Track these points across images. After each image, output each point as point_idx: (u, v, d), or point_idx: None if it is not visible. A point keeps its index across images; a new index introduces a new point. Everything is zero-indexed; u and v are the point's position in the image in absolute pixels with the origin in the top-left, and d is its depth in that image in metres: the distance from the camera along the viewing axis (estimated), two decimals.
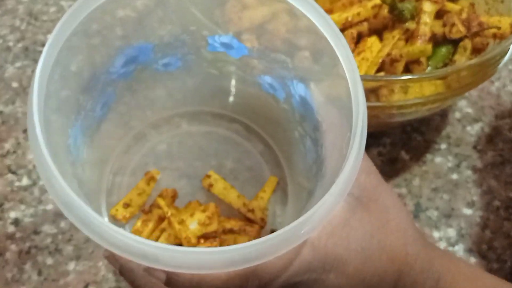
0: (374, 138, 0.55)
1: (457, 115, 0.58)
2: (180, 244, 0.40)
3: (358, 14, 0.46)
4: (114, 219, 0.44)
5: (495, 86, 0.60)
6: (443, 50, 0.47)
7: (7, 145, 0.53)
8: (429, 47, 0.46)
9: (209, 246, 0.40)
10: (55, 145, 0.30)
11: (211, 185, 0.45)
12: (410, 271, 0.35)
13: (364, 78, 0.41)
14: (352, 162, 0.29)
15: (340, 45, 0.32)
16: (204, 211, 0.42)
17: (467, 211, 0.51)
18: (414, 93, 0.42)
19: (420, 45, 0.46)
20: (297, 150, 0.44)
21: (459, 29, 0.47)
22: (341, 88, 0.32)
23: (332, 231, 0.33)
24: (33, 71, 0.59)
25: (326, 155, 0.36)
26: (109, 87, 0.39)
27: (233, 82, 0.46)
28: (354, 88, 0.31)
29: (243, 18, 0.40)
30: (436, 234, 0.50)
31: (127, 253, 0.26)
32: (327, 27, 0.33)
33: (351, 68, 0.32)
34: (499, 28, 0.45)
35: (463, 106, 0.58)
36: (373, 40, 0.47)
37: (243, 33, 0.40)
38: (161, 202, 0.42)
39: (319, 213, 0.28)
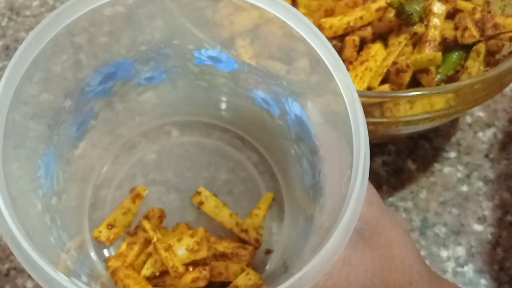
0: (378, 146, 0.51)
1: (468, 119, 0.54)
2: (167, 272, 0.38)
3: (361, 18, 0.42)
4: (97, 241, 0.41)
5: (509, 86, 0.56)
6: (454, 56, 0.43)
7: None
8: (439, 55, 0.42)
9: (197, 275, 0.37)
10: (19, 187, 0.28)
11: (201, 203, 0.42)
12: None
13: (366, 95, 0.37)
14: (354, 205, 0.26)
15: (336, 67, 0.29)
16: (192, 236, 0.39)
17: (478, 227, 0.48)
18: (422, 107, 0.39)
19: (429, 51, 0.42)
20: (293, 167, 0.41)
21: (472, 34, 0.43)
22: (339, 107, 0.29)
23: (331, 271, 0.31)
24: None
25: (325, 184, 0.33)
26: (85, 107, 0.36)
27: (224, 94, 0.42)
28: (353, 112, 0.28)
29: (235, 23, 0.36)
30: (444, 253, 0.46)
31: None
32: (319, 43, 0.30)
33: (347, 87, 0.28)
34: None
35: (475, 110, 0.54)
36: (377, 48, 0.43)
37: (235, 39, 0.36)
38: (147, 226, 0.39)
39: (321, 263, 0.26)
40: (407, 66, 0.41)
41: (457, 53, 0.43)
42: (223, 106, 0.45)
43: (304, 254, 0.32)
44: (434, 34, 0.43)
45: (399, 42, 0.43)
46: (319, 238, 0.28)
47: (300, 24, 0.30)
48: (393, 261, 0.32)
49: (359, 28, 0.43)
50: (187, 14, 0.35)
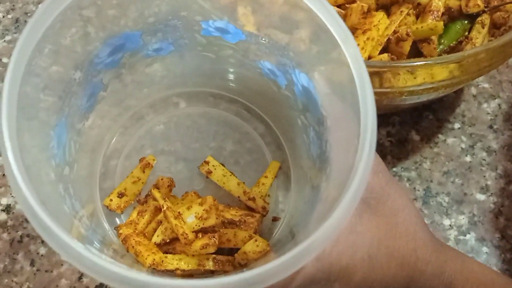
0: (383, 117, 0.52)
1: (473, 90, 0.54)
2: (177, 239, 0.38)
3: None
4: (108, 209, 0.42)
5: None
6: (458, 26, 0.43)
7: None
8: (440, 24, 0.42)
9: (207, 242, 0.38)
10: (33, 157, 0.29)
11: (209, 172, 0.43)
12: (421, 277, 0.33)
13: (371, 64, 0.38)
14: (361, 174, 0.27)
15: (343, 36, 0.29)
16: (201, 204, 0.40)
17: (480, 197, 0.49)
18: (423, 78, 0.39)
19: (431, 22, 0.42)
20: (300, 137, 0.42)
21: (477, 3, 0.43)
22: (347, 78, 0.30)
23: (337, 238, 0.31)
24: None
25: (332, 154, 0.34)
26: (95, 78, 0.36)
27: (231, 65, 0.43)
28: (362, 87, 0.29)
29: None
30: (446, 222, 0.47)
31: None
32: (326, 13, 0.30)
33: (355, 58, 0.29)
34: None
35: (480, 81, 0.55)
36: (380, 17, 0.43)
37: (237, 7, 0.36)
38: (157, 194, 0.40)
39: (328, 231, 0.26)
40: (407, 34, 0.41)
41: (461, 23, 0.43)
42: (230, 77, 0.45)
43: (311, 222, 0.32)
44: (437, 4, 0.43)
45: (401, 12, 0.43)
46: (325, 208, 0.29)
47: None
48: (397, 228, 0.33)
49: None
50: None
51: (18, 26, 0.58)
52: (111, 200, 0.42)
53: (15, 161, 0.26)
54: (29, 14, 0.58)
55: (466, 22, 0.44)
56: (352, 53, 0.29)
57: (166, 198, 0.41)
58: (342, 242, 0.31)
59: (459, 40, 0.44)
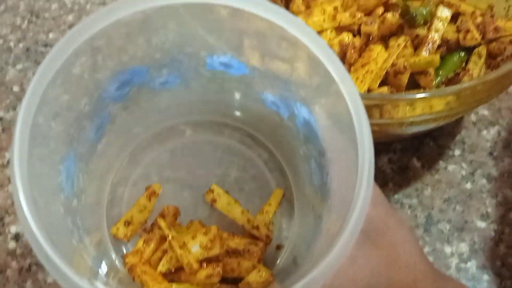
0: (384, 144, 0.53)
1: (473, 117, 0.55)
2: (182, 268, 0.39)
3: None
4: (115, 237, 0.43)
5: None
6: (455, 58, 0.44)
7: (8, 155, 0.52)
8: (437, 57, 0.43)
9: (211, 272, 0.39)
10: (43, 189, 0.30)
11: (214, 200, 0.44)
12: None
13: (368, 97, 0.39)
14: (360, 208, 0.28)
15: (336, 68, 0.30)
16: (206, 233, 0.41)
17: (481, 224, 0.49)
18: (422, 109, 0.40)
19: (427, 53, 0.43)
20: (302, 166, 0.43)
21: (474, 36, 0.44)
22: (344, 111, 0.31)
23: (338, 271, 0.32)
24: (35, 74, 0.58)
25: (332, 186, 0.35)
26: (103, 111, 0.38)
27: (235, 96, 0.44)
28: (357, 119, 0.30)
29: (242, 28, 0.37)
30: (447, 249, 0.48)
31: None
32: (320, 49, 0.31)
33: (352, 95, 0.30)
34: None
35: (479, 108, 0.55)
36: (379, 50, 0.44)
37: (243, 43, 0.38)
38: (162, 224, 0.41)
39: (328, 266, 0.27)
40: (404, 67, 0.42)
41: (458, 55, 0.44)
42: (235, 106, 0.46)
43: (313, 253, 0.33)
44: (434, 36, 0.44)
45: (398, 44, 0.44)
46: (327, 240, 0.30)
47: (303, 32, 0.31)
48: (398, 260, 0.34)
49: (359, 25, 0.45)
50: (199, 21, 0.36)
51: (29, 55, 0.59)
52: (117, 228, 0.42)
53: (24, 192, 0.27)
54: (39, 43, 0.60)
55: (463, 53, 0.45)
56: (349, 90, 0.30)
57: (171, 227, 0.42)
58: (342, 275, 0.32)
59: (456, 71, 0.45)
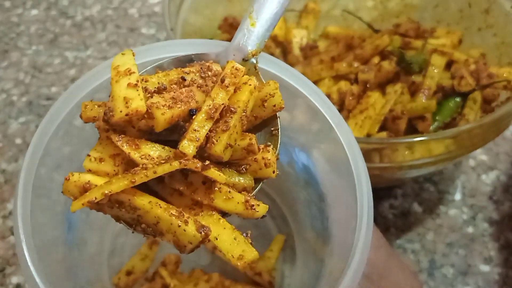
0: (385, 190, 0.53)
1: (472, 163, 0.56)
2: None
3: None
4: (117, 287, 0.42)
5: (510, 130, 0.58)
6: (451, 104, 0.45)
7: (10, 206, 0.53)
8: (433, 103, 0.44)
9: None
10: (44, 241, 0.30)
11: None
12: None
13: (368, 141, 0.39)
14: (358, 257, 0.28)
15: (335, 119, 0.31)
16: (208, 281, 0.40)
17: (484, 268, 0.49)
18: (421, 153, 0.40)
19: (423, 99, 0.44)
20: (303, 211, 0.43)
21: (468, 82, 0.45)
22: (342, 157, 0.31)
23: None
24: (37, 126, 0.58)
25: (333, 231, 0.35)
26: None
27: None
28: (355, 165, 0.30)
29: None
30: None
31: None
32: (317, 97, 0.32)
33: (349, 141, 0.30)
34: (509, 82, 0.44)
35: (478, 153, 0.56)
36: (376, 96, 0.45)
37: None
38: (164, 273, 0.41)
39: None
40: (402, 113, 0.43)
41: (454, 101, 0.45)
42: None
43: None
44: (430, 83, 0.45)
45: (395, 91, 0.45)
46: (330, 284, 0.30)
47: (300, 81, 0.32)
48: None
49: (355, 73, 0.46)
50: None
51: (31, 109, 0.60)
52: (119, 278, 0.42)
53: (26, 242, 0.27)
54: (41, 97, 0.61)
55: (458, 99, 0.46)
56: (345, 134, 0.30)
57: (173, 276, 0.41)
58: None
59: (453, 117, 0.45)
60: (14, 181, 0.54)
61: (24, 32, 0.68)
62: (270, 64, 0.32)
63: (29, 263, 0.27)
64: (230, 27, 0.51)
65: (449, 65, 0.48)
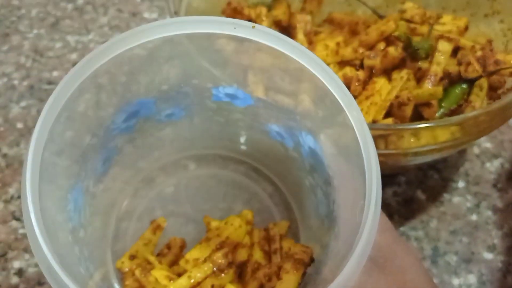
0: (389, 177, 0.53)
1: (476, 150, 0.56)
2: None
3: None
4: (120, 271, 0.42)
5: None
6: (457, 90, 0.45)
7: (11, 190, 0.52)
8: (440, 89, 0.44)
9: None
10: (52, 220, 0.30)
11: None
12: None
13: (374, 127, 0.39)
14: (367, 234, 0.28)
15: (346, 101, 0.31)
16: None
17: (488, 256, 0.49)
18: (426, 139, 0.40)
19: (429, 85, 0.44)
20: (308, 197, 0.43)
21: (475, 68, 0.44)
22: (351, 139, 0.31)
23: None
24: (38, 111, 0.58)
25: (339, 214, 0.35)
26: (110, 143, 0.38)
27: (240, 128, 0.44)
28: (364, 144, 0.30)
29: (247, 60, 0.38)
30: (455, 281, 0.47)
31: None
32: (327, 77, 0.31)
33: (359, 121, 0.30)
34: None
35: (482, 141, 0.56)
36: (382, 82, 0.45)
37: (247, 76, 0.38)
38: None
39: None
40: (408, 99, 0.42)
41: (460, 87, 0.45)
42: (239, 139, 0.46)
43: (321, 282, 0.33)
44: (436, 69, 0.45)
45: (401, 77, 0.44)
46: (335, 265, 0.30)
47: (311, 62, 0.31)
48: (406, 286, 0.33)
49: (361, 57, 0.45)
50: (204, 54, 0.37)
51: (32, 93, 0.60)
52: (123, 262, 0.42)
53: (37, 222, 0.27)
54: (43, 81, 0.61)
55: (465, 86, 0.45)
56: (356, 117, 0.30)
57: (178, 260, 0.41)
58: None
59: (459, 103, 0.45)
60: (15, 166, 0.54)
61: (25, 16, 0.67)
62: (278, 42, 0.31)
63: (43, 246, 0.26)
64: (233, 12, 0.51)
65: (455, 51, 0.47)
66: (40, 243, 0.26)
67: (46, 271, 0.26)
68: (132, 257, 0.42)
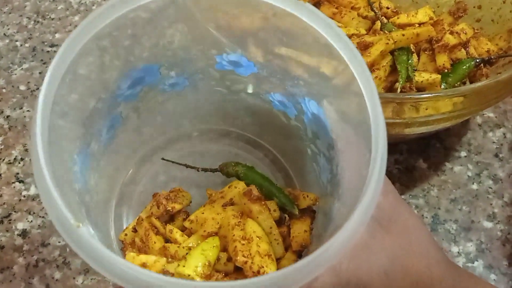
0: (391, 145, 0.52)
1: (479, 120, 0.55)
2: None
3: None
4: (123, 243, 0.42)
5: None
6: (464, 66, 0.45)
7: (15, 152, 0.52)
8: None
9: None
10: (61, 177, 0.30)
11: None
12: None
13: (385, 96, 0.39)
14: (373, 189, 0.28)
15: (356, 63, 0.30)
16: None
17: (488, 224, 0.49)
18: (428, 110, 0.40)
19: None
20: (309, 168, 0.43)
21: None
22: (357, 105, 0.31)
23: (353, 254, 0.32)
24: (41, 73, 0.58)
25: (343, 175, 0.35)
26: (115, 110, 0.38)
27: (242, 99, 0.44)
28: (373, 109, 0.30)
29: (251, 23, 0.37)
30: (454, 249, 0.48)
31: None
32: (340, 42, 0.31)
33: (369, 87, 0.30)
34: None
35: (485, 111, 0.56)
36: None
37: (252, 41, 0.38)
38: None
39: (341, 241, 0.27)
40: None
41: (468, 64, 0.46)
42: (240, 112, 0.46)
43: (324, 240, 0.33)
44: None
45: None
46: (338, 223, 0.30)
47: (321, 24, 0.31)
48: (411, 246, 0.34)
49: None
50: (208, 18, 0.36)
51: (35, 54, 0.59)
52: (126, 234, 0.42)
53: (48, 172, 0.27)
54: (45, 43, 0.60)
55: (472, 62, 0.46)
56: (366, 82, 0.30)
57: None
58: (357, 258, 0.32)
59: (463, 81, 0.46)
60: (18, 128, 0.54)
61: None
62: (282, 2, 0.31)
63: (54, 194, 0.26)
64: None
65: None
66: (52, 192, 0.26)
67: (56, 220, 0.26)
68: (135, 230, 0.42)
